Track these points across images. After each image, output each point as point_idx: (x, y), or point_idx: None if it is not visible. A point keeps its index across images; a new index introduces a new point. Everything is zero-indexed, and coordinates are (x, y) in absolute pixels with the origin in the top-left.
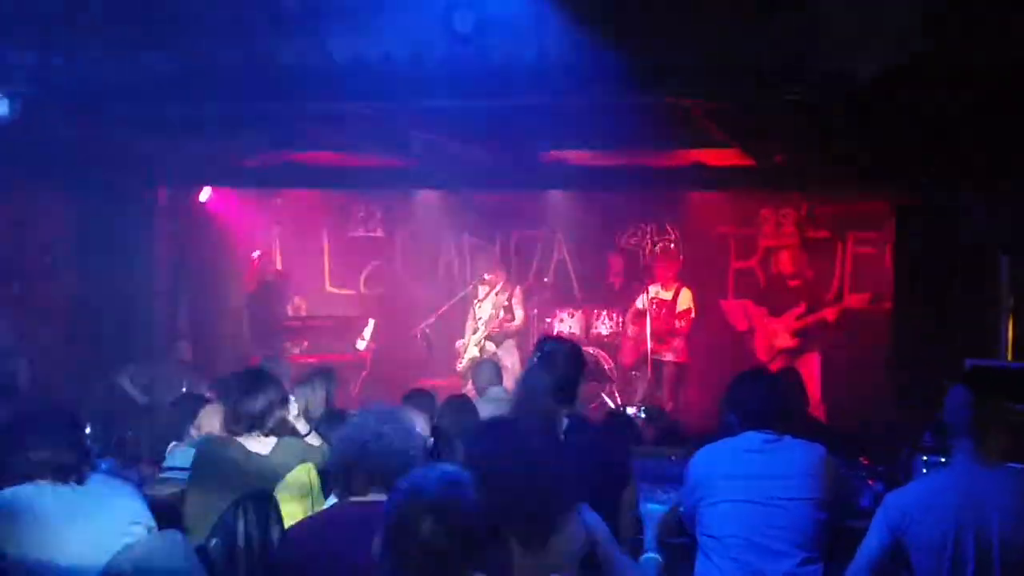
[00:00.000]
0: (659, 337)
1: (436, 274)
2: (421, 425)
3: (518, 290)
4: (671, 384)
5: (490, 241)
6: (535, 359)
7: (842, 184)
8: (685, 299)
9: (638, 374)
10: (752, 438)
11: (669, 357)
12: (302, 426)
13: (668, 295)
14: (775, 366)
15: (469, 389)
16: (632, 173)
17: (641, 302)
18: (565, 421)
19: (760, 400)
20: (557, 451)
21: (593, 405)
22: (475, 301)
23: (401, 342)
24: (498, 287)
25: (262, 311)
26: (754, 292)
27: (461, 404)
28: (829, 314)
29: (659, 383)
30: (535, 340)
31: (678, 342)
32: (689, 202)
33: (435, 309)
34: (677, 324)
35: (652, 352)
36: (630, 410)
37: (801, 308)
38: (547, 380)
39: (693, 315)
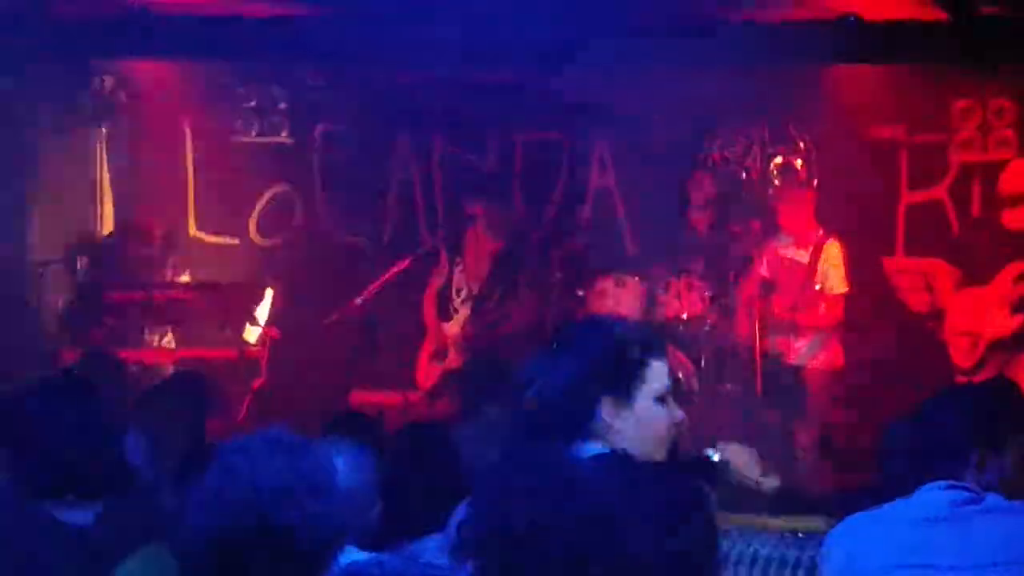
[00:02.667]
0: (783, 329)
1: (383, 211)
2: (358, 473)
3: (531, 252)
4: (806, 404)
5: (478, 153)
6: (549, 352)
7: None
8: (834, 266)
9: (735, 388)
10: (933, 499)
11: (802, 359)
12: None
13: (802, 255)
14: (982, 375)
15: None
16: (728, 34)
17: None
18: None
19: (953, 431)
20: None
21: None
22: (454, 262)
23: (321, 330)
24: (498, 240)
25: (92, 273)
26: (942, 244)
27: (429, 437)
28: None
29: (777, 402)
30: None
31: (819, 339)
32: (830, 87)
33: (381, 274)
34: (821, 310)
35: (762, 351)
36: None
37: (1021, 266)
38: (566, 391)
39: (844, 299)
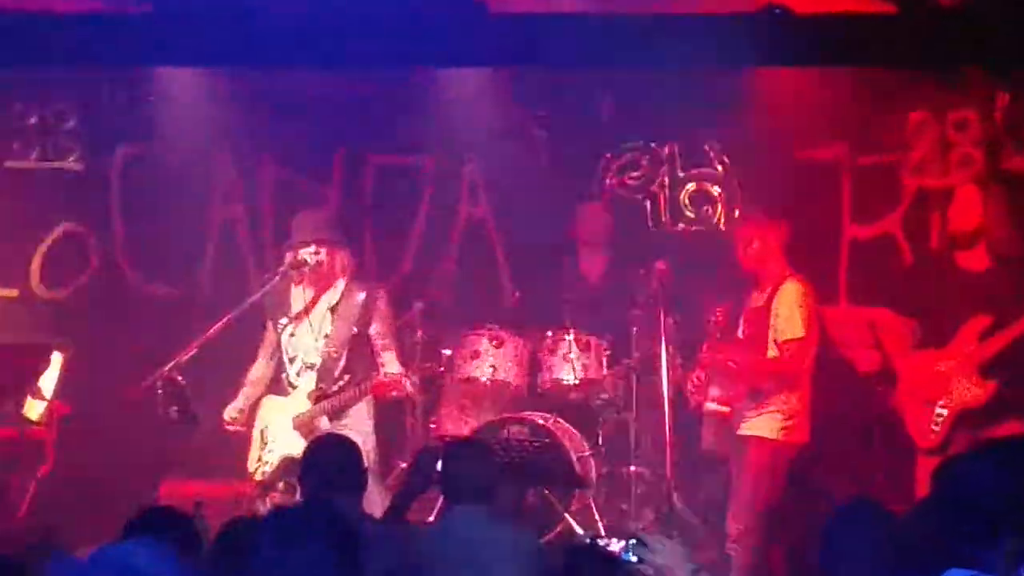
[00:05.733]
0: (717, 390)
1: (201, 255)
2: None
3: (383, 296)
4: (744, 485)
5: (319, 179)
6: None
7: None
8: (789, 307)
9: (642, 471)
10: None
11: (752, 429)
12: None
13: (760, 299)
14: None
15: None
16: (628, 30)
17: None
18: None
19: (989, 492)
20: None
21: (548, 536)
22: (282, 319)
23: (124, 404)
24: (336, 287)
25: None
26: (894, 289)
27: (260, 537)
28: None
29: (696, 485)
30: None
31: (771, 402)
32: (754, 96)
33: (198, 334)
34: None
35: (681, 421)
36: (616, 545)
37: (985, 320)
38: None
39: (800, 346)
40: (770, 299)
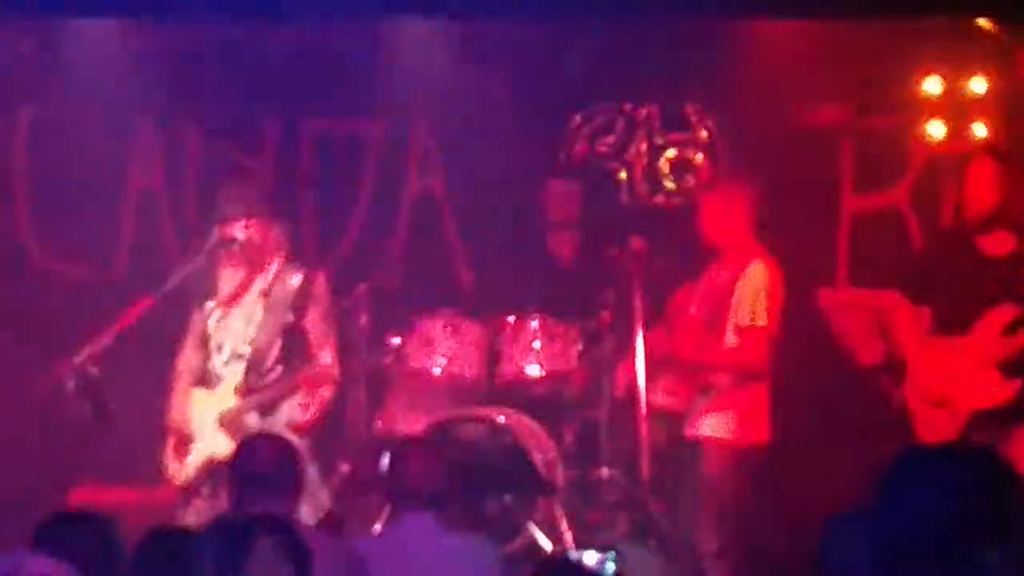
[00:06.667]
0: (682, 383)
1: (116, 229)
2: None
3: (321, 281)
4: (708, 495)
5: (249, 145)
6: None
7: None
8: (754, 291)
9: (615, 472)
10: None
11: (706, 429)
12: None
13: (724, 277)
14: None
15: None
16: None
17: None
18: None
19: (937, 520)
20: None
21: (509, 548)
22: (208, 303)
23: (27, 401)
24: (269, 268)
25: None
26: (901, 270)
27: (181, 550)
28: None
29: (671, 491)
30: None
31: (724, 397)
32: (744, 51)
33: (113, 320)
34: (731, 354)
35: (653, 417)
36: (591, 558)
37: (1009, 312)
38: None
39: (763, 336)
40: (733, 278)
